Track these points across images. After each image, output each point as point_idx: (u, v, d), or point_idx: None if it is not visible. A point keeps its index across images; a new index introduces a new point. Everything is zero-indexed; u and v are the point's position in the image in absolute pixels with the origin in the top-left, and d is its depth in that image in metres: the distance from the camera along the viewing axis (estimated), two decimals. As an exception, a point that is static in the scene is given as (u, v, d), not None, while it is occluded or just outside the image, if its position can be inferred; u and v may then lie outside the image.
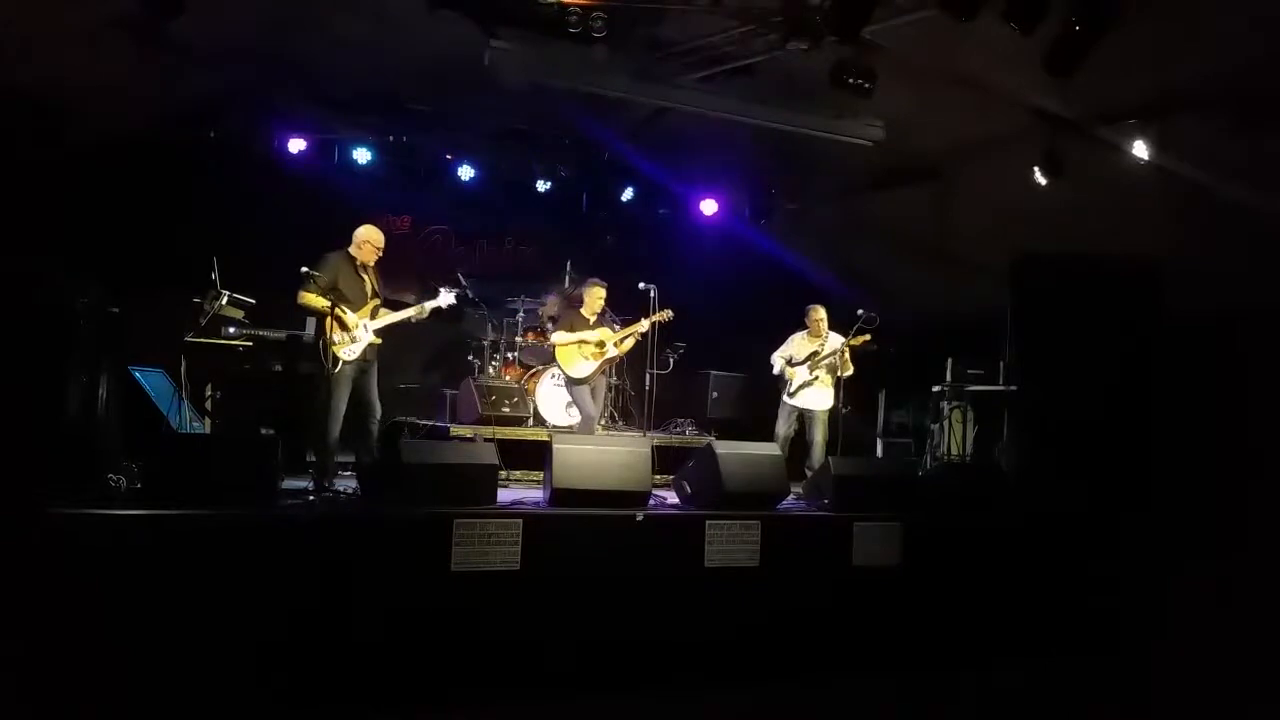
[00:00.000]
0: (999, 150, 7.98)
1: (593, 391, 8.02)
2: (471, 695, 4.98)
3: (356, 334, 6.40)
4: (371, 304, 6.60)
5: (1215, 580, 6.18)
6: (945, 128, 8.20)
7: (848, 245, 10.98)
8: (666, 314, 7.85)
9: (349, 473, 6.74)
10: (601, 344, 7.94)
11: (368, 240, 6.69)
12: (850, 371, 8.09)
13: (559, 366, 8.14)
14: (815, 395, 8.18)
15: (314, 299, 6.35)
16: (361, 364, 6.48)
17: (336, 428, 6.38)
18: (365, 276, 6.66)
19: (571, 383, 8.02)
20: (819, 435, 8.15)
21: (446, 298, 7.01)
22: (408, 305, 6.88)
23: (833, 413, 8.19)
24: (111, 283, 6.00)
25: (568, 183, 10.51)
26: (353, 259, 6.64)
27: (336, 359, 6.28)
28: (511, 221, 11.00)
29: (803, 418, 8.23)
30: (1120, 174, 7.41)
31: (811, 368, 8.16)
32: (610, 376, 8.77)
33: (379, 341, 6.61)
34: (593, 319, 7.98)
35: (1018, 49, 6.25)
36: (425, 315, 6.84)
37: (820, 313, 8.32)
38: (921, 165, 8.90)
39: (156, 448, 5.25)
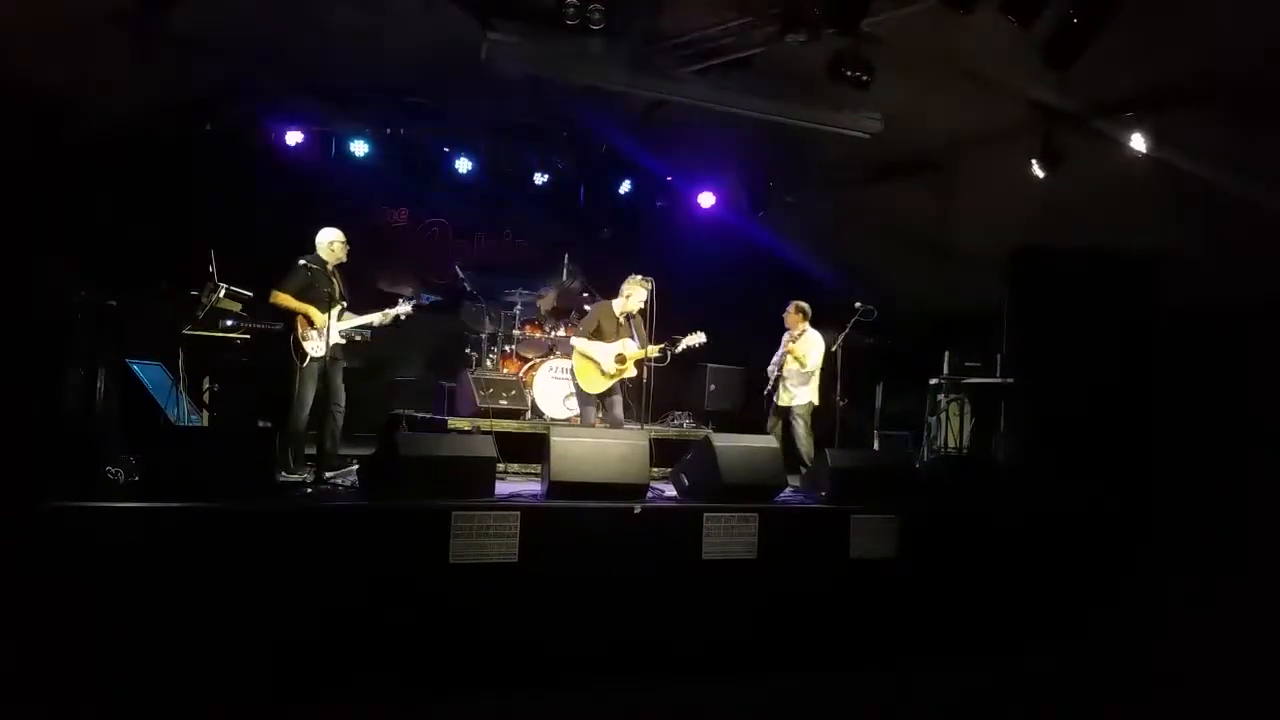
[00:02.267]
0: (997, 143, 7.98)
1: (604, 411, 7.56)
2: (469, 687, 4.99)
3: (323, 332, 6.71)
4: (338, 305, 6.87)
5: (1215, 576, 6.19)
6: (943, 120, 8.19)
7: (845, 238, 10.98)
8: (700, 337, 7.67)
9: (351, 464, 6.79)
10: (623, 359, 7.46)
11: (332, 241, 7.03)
12: (808, 366, 8.21)
13: (571, 376, 7.78)
14: (785, 392, 8.34)
15: (285, 299, 6.77)
16: (328, 360, 6.82)
17: (303, 417, 6.78)
18: (334, 279, 6.97)
19: (583, 398, 7.61)
20: (799, 430, 8.25)
21: (404, 307, 7.29)
22: (400, 297, 7.24)
23: (816, 409, 8.32)
24: (109, 276, 6.01)
25: (565, 175, 10.52)
26: (323, 262, 6.94)
27: (305, 355, 6.73)
28: (509, 214, 10.99)
29: (784, 415, 8.36)
30: (1118, 167, 7.40)
31: (781, 365, 8.36)
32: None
33: (344, 340, 6.96)
34: (622, 319, 7.54)
35: (1016, 42, 6.25)
36: (388, 322, 7.20)
37: (790, 308, 8.47)
38: (919, 158, 8.90)
39: (155, 441, 5.26)
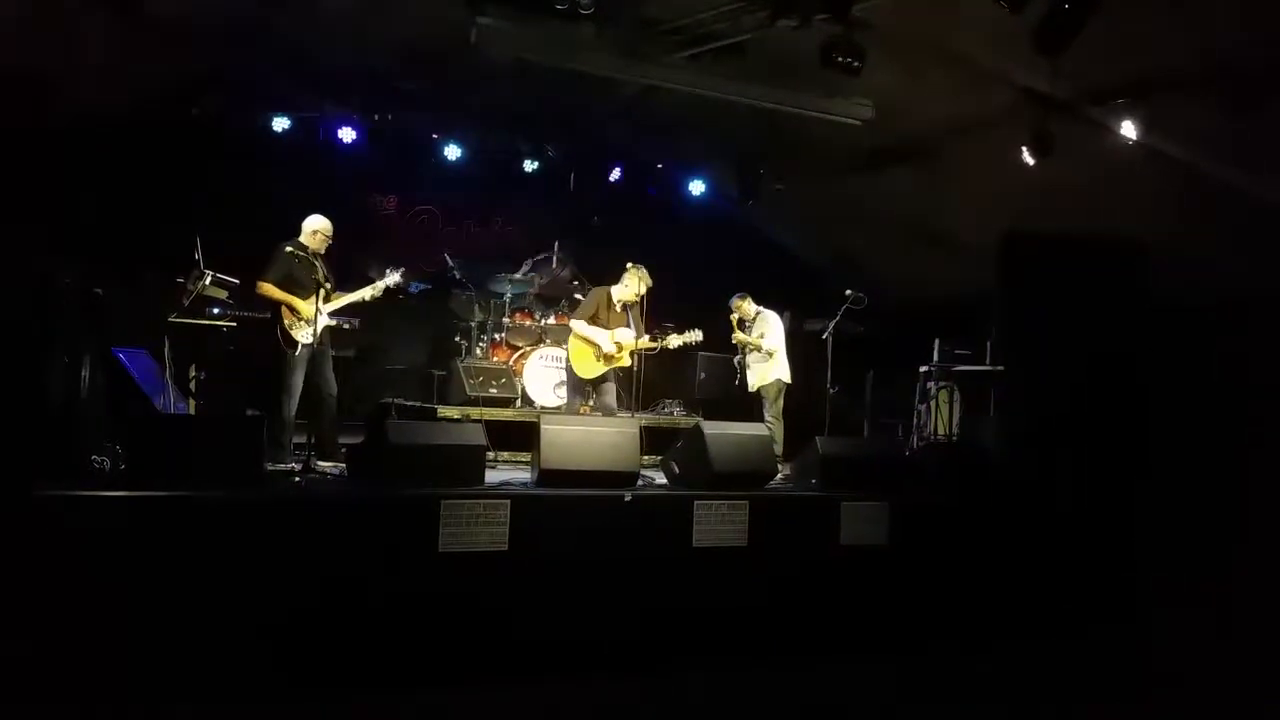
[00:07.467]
0: (988, 130, 7.97)
1: (595, 399, 7.60)
2: (458, 676, 4.97)
3: (310, 319, 6.73)
4: (323, 290, 6.79)
5: (1208, 569, 6.20)
6: (934, 107, 8.18)
7: (836, 225, 10.97)
8: (696, 334, 7.88)
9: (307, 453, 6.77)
10: (620, 345, 7.55)
11: (318, 230, 6.98)
12: (761, 349, 8.46)
13: (565, 361, 7.83)
14: (750, 376, 8.68)
15: (271, 289, 6.73)
16: (317, 346, 6.83)
17: (292, 406, 6.76)
18: (316, 264, 6.92)
19: (577, 383, 7.66)
20: (767, 413, 8.41)
21: (393, 277, 7.23)
22: (386, 269, 7.21)
23: (790, 388, 8.50)
24: (94, 263, 5.95)
25: (555, 162, 10.49)
26: (304, 248, 6.89)
27: (295, 343, 6.69)
28: (499, 201, 10.96)
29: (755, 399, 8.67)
30: (1109, 154, 7.40)
31: (743, 353, 8.78)
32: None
33: (333, 324, 6.96)
34: (619, 307, 7.64)
35: (1007, 28, 6.23)
36: (379, 295, 7.13)
37: (734, 301, 8.74)
38: (911, 145, 8.88)
39: (140, 429, 5.20)
